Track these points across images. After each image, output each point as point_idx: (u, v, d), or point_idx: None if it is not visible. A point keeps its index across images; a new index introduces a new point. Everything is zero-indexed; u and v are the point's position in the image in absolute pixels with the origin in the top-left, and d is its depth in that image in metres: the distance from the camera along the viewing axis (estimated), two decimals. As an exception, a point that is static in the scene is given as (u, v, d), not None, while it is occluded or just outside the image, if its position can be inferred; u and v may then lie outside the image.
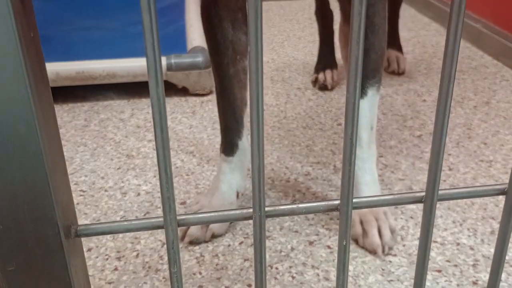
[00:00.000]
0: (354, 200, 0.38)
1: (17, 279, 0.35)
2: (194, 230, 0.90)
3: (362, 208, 0.40)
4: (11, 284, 0.35)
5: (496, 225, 0.94)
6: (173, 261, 0.38)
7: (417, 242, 0.90)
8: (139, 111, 1.38)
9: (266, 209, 0.37)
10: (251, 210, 0.37)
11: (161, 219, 0.37)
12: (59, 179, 0.35)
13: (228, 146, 0.92)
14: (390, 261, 0.86)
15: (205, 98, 1.45)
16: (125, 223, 0.38)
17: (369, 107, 0.88)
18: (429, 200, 0.39)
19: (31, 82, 0.31)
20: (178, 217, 0.37)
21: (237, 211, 0.39)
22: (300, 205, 0.39)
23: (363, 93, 0.87)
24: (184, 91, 1.46)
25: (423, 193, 0.39)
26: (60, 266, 0.35)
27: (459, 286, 0.81)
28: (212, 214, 0.39)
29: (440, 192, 0.39)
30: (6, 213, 0.33)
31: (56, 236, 0.35)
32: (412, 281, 0.84)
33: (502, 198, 0.97)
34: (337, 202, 0.39)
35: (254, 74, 0.33)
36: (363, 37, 0.32)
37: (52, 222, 0.34)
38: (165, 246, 0.91)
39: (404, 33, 1.86)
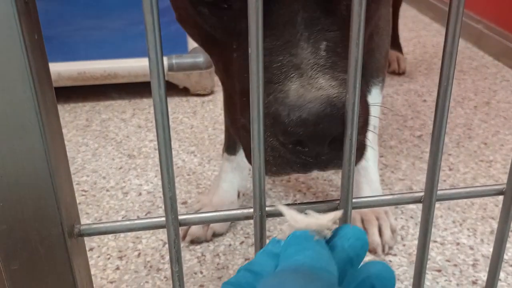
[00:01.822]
0: (354, 200, 0.38)
1: (21, 278, 0.36)
2: (195, 230, 0.91)
3: (361, 208, 0.40)
4: (15, 282, 0.36)
5: (496, 225, 0.94)
6: (175, 260, 0.38)
7: (417, 242, 0.90)
8: (140, 111, 1.39)
9: (267, 209, 0.38)
10: (251, 209, 0.38)
11: (163, 218, 0.37)
12: (63, 179, 0.36)
13: (231, 145, 0.93)
14: (390, 261, 0.86)
15: (206, 98, 1.46)
16: (128, 222, 0.38)
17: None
18: (428, 200, 0.39)
19: (36, 84, 0.31)
20: (180, 217, 0.37)
21: (238, 211, 0.39)
22: (301, 205, 0.39)
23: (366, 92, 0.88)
24: (185, 91, 1.46)
25: (422, 193, 0.40)
26: (63, 265, 0.36)
27: (458, 285, 0.81)
28: (213, 213, 0.39)
29: (438, 192, 0.39)
30: (11, 212, 0.34)
31: (60, 235, 0.35)
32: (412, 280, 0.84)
33: (502, 198, 0.97)
34: (337, 202, 0.39)
35: (255, 75, 0.33)
36: (362, 39, 0.33)
37: (56, 221, 0.35)
38: (166, 245, 0.91)
39: (405, 33, 1.86)
